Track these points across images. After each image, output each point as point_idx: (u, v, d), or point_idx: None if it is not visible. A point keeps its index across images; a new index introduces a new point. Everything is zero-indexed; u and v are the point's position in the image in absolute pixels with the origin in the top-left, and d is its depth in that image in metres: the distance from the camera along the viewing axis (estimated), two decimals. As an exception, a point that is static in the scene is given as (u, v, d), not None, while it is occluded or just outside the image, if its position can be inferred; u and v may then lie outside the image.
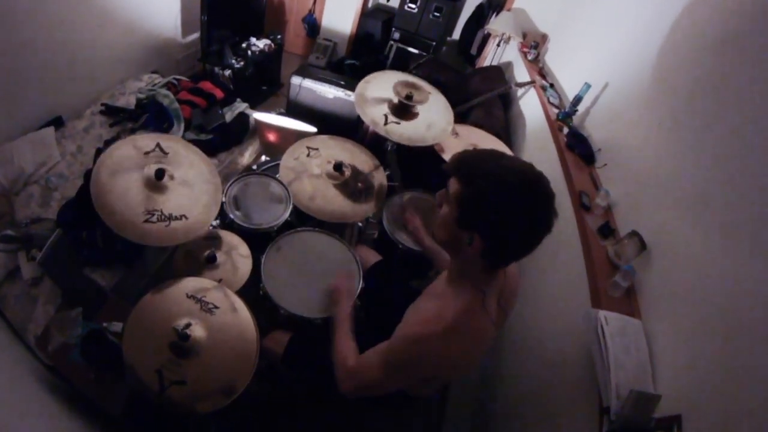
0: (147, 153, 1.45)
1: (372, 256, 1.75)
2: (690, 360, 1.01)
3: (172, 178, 1.44)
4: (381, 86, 1.98)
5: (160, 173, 1.38)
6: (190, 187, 1.48)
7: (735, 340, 0.91)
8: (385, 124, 1.87)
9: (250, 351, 1.21)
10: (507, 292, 1.08)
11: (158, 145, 1.47)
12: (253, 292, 1.50)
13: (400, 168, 2.73)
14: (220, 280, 1.41)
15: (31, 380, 1.50)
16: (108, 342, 1.52)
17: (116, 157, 1.41)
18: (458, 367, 1.05)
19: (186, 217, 1.41)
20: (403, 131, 1.86)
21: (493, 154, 0.95)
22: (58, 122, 2.50)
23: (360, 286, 1.54)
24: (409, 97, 1.85)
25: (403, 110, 1.92)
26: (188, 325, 1.13)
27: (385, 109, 1.93)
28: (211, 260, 1.52)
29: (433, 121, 1.94)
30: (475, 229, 0.90)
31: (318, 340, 1.34)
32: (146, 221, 1.35)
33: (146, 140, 1.49)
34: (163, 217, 1.38)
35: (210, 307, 1.22)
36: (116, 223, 1.30)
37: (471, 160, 0.94)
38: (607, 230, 1.50)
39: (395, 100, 1.90)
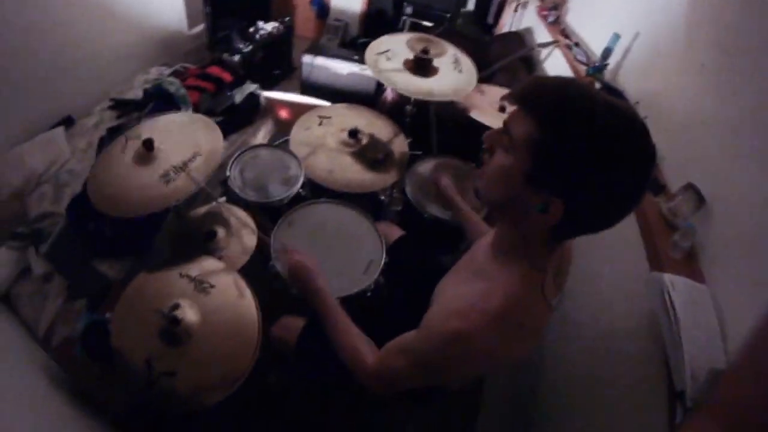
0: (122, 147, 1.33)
1: (394, 231, 1.57)
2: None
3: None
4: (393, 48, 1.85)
5: (149, 143, 1.25)
6: (181, 135, 1.37)
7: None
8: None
9: (251, 333, 1.06)
10: (564, 264, 0.86)
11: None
12: (258, 272, 1.33)
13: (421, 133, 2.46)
14: (220, 258, 1.27)
15: (42, 379, 1.42)
16: (109, 334, 1.42)
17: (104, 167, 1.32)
18: (505, 363, 0.83)
19: (198, 154, 1.29)
20: (421, 85, 1.69)
21: (580, 84, 0.67)
22: (68, 122, 2.46)
23: (384, 260, 1.35)
24: (425, 51, 1.70)
25: (422, 67, 1.76)
26: (176, 307, 1.00)
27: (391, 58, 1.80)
28: (210, 237, 1.37)
29: (456, 77, 1.77)
30: (555, 191, 0.65)
31: None
32: (168, 182, 1.23)
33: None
34: (178, 168, 1.26)
35: (205, 287, 1.08)
36: (143, 208, 1.20)
37: (553, 91, 0.66)
38: (656, 186, 1.29)
39: (411, 56, 1.76)
